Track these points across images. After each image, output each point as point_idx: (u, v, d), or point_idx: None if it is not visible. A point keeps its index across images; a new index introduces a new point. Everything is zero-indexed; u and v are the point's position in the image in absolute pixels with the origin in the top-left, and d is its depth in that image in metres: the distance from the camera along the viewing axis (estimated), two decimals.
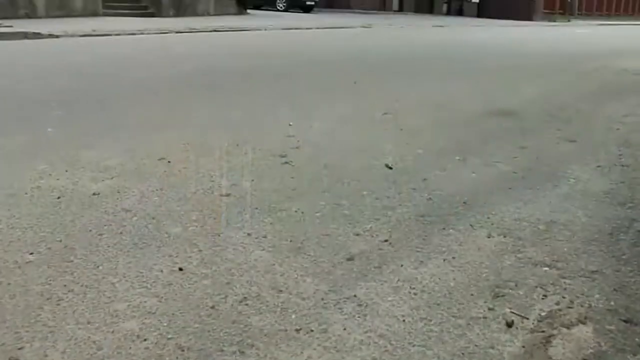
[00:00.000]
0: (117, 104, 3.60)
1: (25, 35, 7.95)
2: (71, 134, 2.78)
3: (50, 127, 2.85)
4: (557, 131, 3.11)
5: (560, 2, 39.46)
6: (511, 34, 15.53)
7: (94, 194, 1.93)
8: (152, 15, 13.98)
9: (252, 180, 2.13)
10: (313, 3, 21.47)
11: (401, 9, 27.51)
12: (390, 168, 2.34)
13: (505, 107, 3.76)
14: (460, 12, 31.74)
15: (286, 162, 2.36)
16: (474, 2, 33.31)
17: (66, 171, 2.14)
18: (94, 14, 12.68)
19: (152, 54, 6.79)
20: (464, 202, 1.97)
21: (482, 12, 32.25)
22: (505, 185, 2.19)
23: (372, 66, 6.21)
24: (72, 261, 1.44)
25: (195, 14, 15.02)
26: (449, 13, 31.35)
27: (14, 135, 2.68)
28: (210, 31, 10.35)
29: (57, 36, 8.09)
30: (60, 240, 1.56)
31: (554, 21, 31.48)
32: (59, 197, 1.89)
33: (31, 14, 11.60)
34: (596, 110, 3.83)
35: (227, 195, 1.97)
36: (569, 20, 32.67)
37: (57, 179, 2.06)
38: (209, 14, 15.38)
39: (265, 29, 11.51)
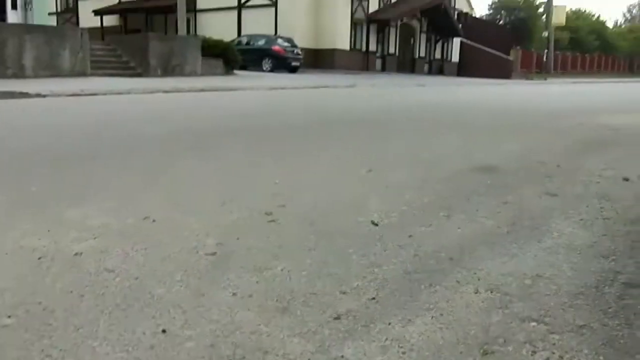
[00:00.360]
0: (103, 162, 3.61)
1: (11, 95, 8.04)
2: (55, 193, 2.77)
3: (34, 186, 2.83)
4: (539, 186, 3.16)
5: (536, 60, 41.07)
6: (490, 91, 16.02)
7: (76, 254, 1.90)
8: (139, 75, 14.23)
9: (238, 238, 2.12)
10: (298, 64, 22.06)
11: (384, 69, 28.33)
12: (376, 225, 2.35)
13: (488, 162, 3.83)
14: (440, 72, 32.77)
15: (272, 220, 2.35)
16: (454, 62, 34.48)
17: (49, 231, 2.12)
18: (82, 74, 12.90)
19: (138, 113, 6.86)
20: (450, 258, 1.97)
21: (461, 71, 33.37)
22: (490, 240, 2.20)
23: (357, 124, 6.33)
24: (51, 324, 1.40)
25: (182, 74, 15.33)
26: (430, 72, 32.34)
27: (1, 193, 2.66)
28: (198, 91, 10.53)
29: (44, 96, 8.20)
30: (40, 303, 1.52)
31: (531, 79, 32.61)
32: (40, 258, 1.86)
33: (19, 74, 11.77)
34: (576, 165, 3.91)
35: (213, 254, 1.95)
36: (545, 79, 33.85)
37: (39, 239, 2.03)
38: (196, 74, 15.70)
39: (252, 89, 11.75)
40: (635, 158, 4.33)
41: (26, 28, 13.98)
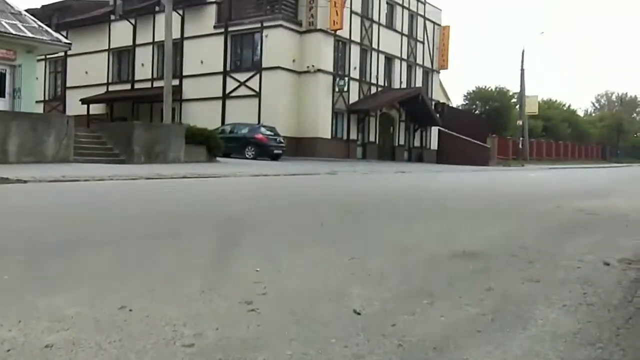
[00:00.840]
0: (80, 248, 3.54)
1: None
2: (29, 281, 2.69)
3: (6, 274, 2.75)
4: (521, 271, 3.16)
5: (512, 147, 42.43)
6: (469, 178, 16.37)
7: (46, 346, 1.82)
8: (122, 162, 14.30)
9: (217, 329, 2.06)
10: (281, 152, 22.43)
11: (364, 157, 28.94)
12: (359, 314, 2.30)
13: (469, 248, 3.84)
14: (420, 159, 33.56)
15: (252, 310, 2.30)
16: (433, 150, 35.44)
17: (19, 322, 2.03)
18: (65, 160, 12.94)
19: (119, 199, 6.84)
20: (434, 348, 1.93)
21: (440, 158, 34.23)
22: (474, 328, 2.16)
23: (338, 211, 6.37)
24: None
25: (166, 161, 15.45)
26: (409, 160, 33.08)
27: None
28: (180, 177, 10.57)
29: (24, 181, 8.15)
30: None
31: (509, 166, 33.50)
32: (8, 350, 1.77)
33: (2, 159, 11.76)
34: (556, 250, 3.93)
35: (190, 345, 1.88)
36: (522, 165, 34.83)
37: (9, 330, 1.95)
38: (179, 161, 15.84)
39: (234, 176, 11.85)
40: (613, 242, 4.38)
41: (13, 115, 14.18)
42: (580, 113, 68.79)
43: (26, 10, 19.62)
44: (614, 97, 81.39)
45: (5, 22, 17.02)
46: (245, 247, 3.77)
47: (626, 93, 78.78)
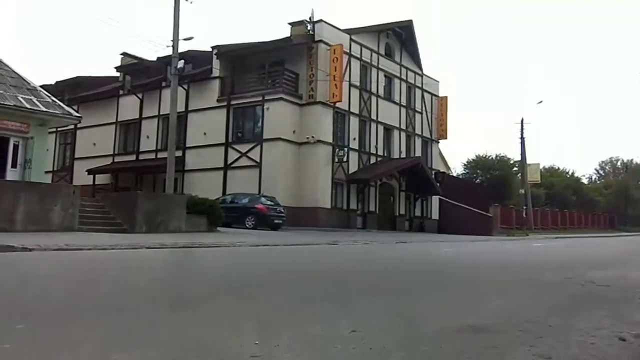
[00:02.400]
0: (82, 317, 3.44)
1: None
2: (29, 350, 2.62)
3: (8, 343, 2.66)
4: (531, 347, 2.99)
5: (515, 217, 42.17)
6: (472, 248, 16.17)
7: None
8: (124, 231, 14.27)
9: None
10: (281, 222, 22.36)
11: (365, 227, 28.79)
12: None
13: (475, 321, 3.66)
14: (421, 229, 33.30)
15: None
16: (434, 219, 35.27)
17: None
18: (70, 229, 13.01)
19: (120, 269, 6.70)
20: None
21: (442, 227, 33.98)
22: None
23: (338, 282, 6.20)
24: None
25: (167, 230, 15.39)
26: (410, 229, 32.84)
27: None
28: (181, 247, 10.46)
29: (30, 249, 8.17)
30: None
31: (512, 235, 33.17)
32: None
33: (8, 228, 11.81)
34: (567, 324, 3.75)
35: None
36: (527, 235, 34.48)
37: None
38: (180, 231, 15.77)
39: (234, 245, 11.71)
40: (628, 316, 4.19)
41: (22, 185, 14.38)
42: (585, 180, 68.51)
43: (41, 86, 20.23)
44: (619, 163, 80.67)
45: (22, 97, 17.54)
46: (245, 320, 3.60)
47: (632, 160, 77.08)
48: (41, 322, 3.29)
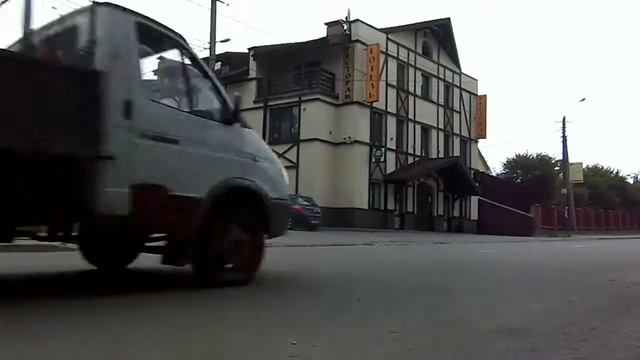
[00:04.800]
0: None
1: None
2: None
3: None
4: (573, 351, 2.91)
5: (557, 217, 41.11)
6: (513, 249, 15.84)
7: None
8: None
9: None
10: (317, 222, 22.37)
11: (402, 227, 28.58)
12: None
13: (515, 324, 3.60)
14: (460, 229, 32.81)
15: None
16: (473, 220, 34.71)
17: None
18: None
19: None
20: None
21: (481, 228, 33.40)
22: None
23: (375, 283, 6.17)
24: None
25: None
26: (449, 230, 32.41)
27: (15, 346, 2.61)
28: None
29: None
30: None
31: (554, 236, 32.33)
32: None
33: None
34: (611, 327, 3.64)
35: None
36: (569, 235, 33.54)
37: None
38: None
39: (270, 246, 11.77)
40: None
41: None
42: (630, 180, 66.18)
43: None
44: None
45: None
46: (283, 320, 3.64)
47: None
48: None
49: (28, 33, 4.58)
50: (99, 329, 3.07)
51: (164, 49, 4.95)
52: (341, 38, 27.32)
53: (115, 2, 4.25)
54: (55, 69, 3.95)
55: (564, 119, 42.18)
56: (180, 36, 4.80)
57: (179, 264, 4.82)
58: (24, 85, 3.55)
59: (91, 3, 4.24)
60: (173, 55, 4.90)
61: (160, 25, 4.64)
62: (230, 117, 4.96)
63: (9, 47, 4.59)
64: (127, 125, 4.10)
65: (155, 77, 5.14)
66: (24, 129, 3.53)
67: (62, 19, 4.57)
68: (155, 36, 4.64)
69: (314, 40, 27.60)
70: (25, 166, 3.72)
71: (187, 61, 4.84)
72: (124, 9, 4.29)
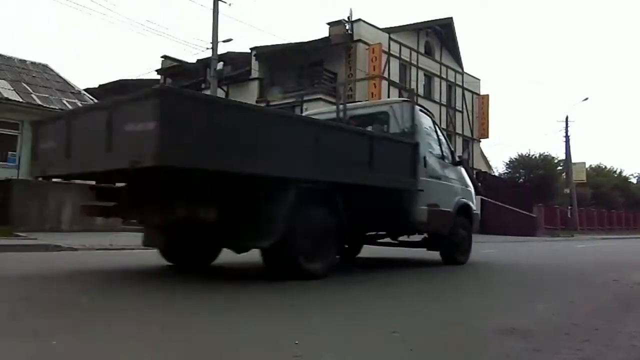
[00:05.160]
0: (124, 315, 3.55)
1: (46, 248, 8.41)
2: (75, 346, 2.71)
3: (55, 340, 2.76)
4: (577, 351, 2.92)
5: (560, 217, 40.96)
6: (516, 249, 15.82)
7: None
8: None
9: None
10: None
11: None
12: None
13: (517, 324, 3.60)
14: None
15: None
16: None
17: None
18: (114, 229, 13.35)
19: (160, 268, 6.83)
20: None
21: (483, 228, 33.19)
22: None
23: (376, 282, 6.18)
24: None
25: None
26: None
27: (21, 343, 2.66)
28: None
29: (75, 249, 8.51)
30: None
31: (557, 236, 32.22)
32: None
33: (56, 228, 12.25)
34: (614, 327, 3.64)
35: None
36: (572, 235, 33.42)
37: None
38: None
39: None
40: None
41: (67, 186, 14.84)
42: (633, 180, 65.87)
43: (85, 90, 20.91)
44: None
45: (66, 101, 18.20)
46: (283, 318, 3.65)
47: None
48: (85, 318, 3.43)
49: (344, 110, 7.47)
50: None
51: (427, 123, 7.84)
52: (343, 38, 27.29)
53: (406, 99, 7.86)
54: (401, 142, 6.88)
55: (566, 118, 42.06)
56: (432, 113, 8.30)
57: (436, 250, 8.29)
58: (391, 149, 6.55)
59: (402, 100, 8.00)
60: (429, 124, 7.92)
61: (426, 109, 8.11)
62: (457, 161, 8.58)
63: (322, 114, 7.99)
64: (424, 171, 7.20)
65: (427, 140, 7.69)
66: (385, 173, 6.25)
67: (369, 105, 8.95)
68: (424, 115, 7.85)
69: (316, 40, 27.58)
70: (381, 195, 6.42)
71: (437, 129, 8.11)
72: (417, 104, 7.71)
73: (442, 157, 7.99)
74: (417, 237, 8.27)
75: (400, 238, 8.26)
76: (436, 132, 8.02)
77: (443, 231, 7.74)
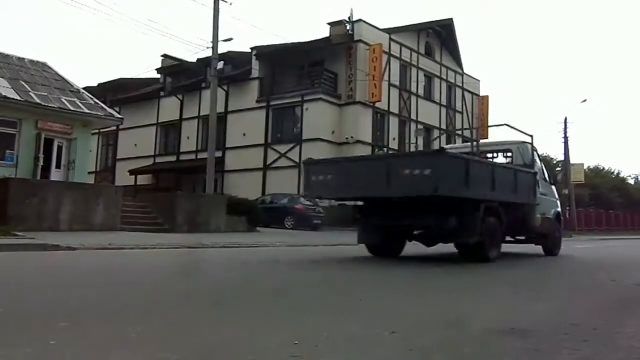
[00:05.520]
0: (124, 316, 3.54)
1: (44, 247, 8.39)
2: (73, 346, 2.70)
3: (53, 340, 2.76)
4: (575, 351, 2.93)
5: None
6: (516, 249, 15.76)
7: None
8: (166, 230, 14.50)
9: None
10: (319, 222, 22.31)
11: None
12: None
13: (517, 324, 3.61)
14: None
15: None
16: None
17: None
18: (112, 228, 13.29)
19: (162, 268, 6.86)
20: None
21: None
22: None
23: (379, 282, 6.19)
24: None
25: (207, 230, 15.59)
26: None
27: (16, 347, 2.61)
28: (220, 247, 10.62)
29: (74, 248, 8.47)
30: None
31: None
32: None
33: (54, 227, 12.16)
34: (613, 328, 3.66)
35: None
36: (570, 236, 33.35)
37: None
38: (220, 231, 15.96)
39: (274, 246, 11.81)
40: None
41: (67, 185, 14.84)
42: (631, 181, 65.93)
43: (84, 88, 20.90)
44: None
45: (65, 99, 18.18)
46: (284, 319, 3.65)
47: None
48: (84, 319, 3.41)
49: (476, 147, 11.02)
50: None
51: (536, 155, 11.07)
52: (344, 38, 27.29)
53: (525, 140, 10.99)
54: (527, 172, 10.03)
55: (565, 119, 42.05)
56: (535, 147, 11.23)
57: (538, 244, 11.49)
58: (523, 177, 9.75)
59: (521, 141, 10.89)
60: (537, 156, 11.09)
61: (534, 147, 10.98)
62: (552, 181, 12.09)
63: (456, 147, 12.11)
64: (538, 190, 10.29)
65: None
66: (521, 193, 9.58)
67: (494, 143, 11.83)
68: (535, 150, 10.95)
69: (316, 40, 27.58)
70: (518, 208, 9.80)
71: (539, 157, 11.28)
72: (530, 143, 10.82)
73: (545, 179, 11.32)
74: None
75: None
76: (540, 160, 11.30)
77: (548, 232, 11.09)
